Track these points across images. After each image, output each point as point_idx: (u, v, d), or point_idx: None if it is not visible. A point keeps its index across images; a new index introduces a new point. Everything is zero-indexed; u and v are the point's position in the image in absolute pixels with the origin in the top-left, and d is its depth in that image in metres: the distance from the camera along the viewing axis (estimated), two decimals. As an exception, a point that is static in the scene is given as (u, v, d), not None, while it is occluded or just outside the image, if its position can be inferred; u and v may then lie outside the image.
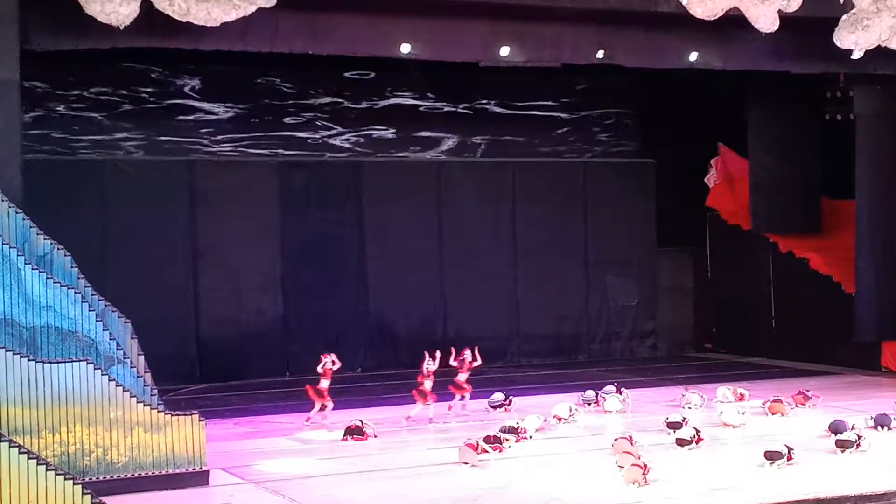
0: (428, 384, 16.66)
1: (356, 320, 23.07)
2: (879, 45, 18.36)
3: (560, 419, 16.43)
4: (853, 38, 18.21)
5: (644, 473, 12.36)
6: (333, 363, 16.85)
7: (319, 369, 16.77)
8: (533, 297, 24.31)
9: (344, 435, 15.43)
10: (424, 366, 16.82)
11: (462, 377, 17.52)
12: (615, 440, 14.17)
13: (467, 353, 17.59)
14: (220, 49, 16.43)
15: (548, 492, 12.31)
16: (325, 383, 16.72)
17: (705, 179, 25.60)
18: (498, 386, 20.44)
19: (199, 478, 12.83)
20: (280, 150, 22.97)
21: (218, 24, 15.15)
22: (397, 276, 23.18)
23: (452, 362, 17.52)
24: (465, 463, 13.59)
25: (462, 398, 17.65)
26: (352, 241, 23.11)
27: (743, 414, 15.96)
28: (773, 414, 16.47)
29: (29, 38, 15.05)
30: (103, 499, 10.86)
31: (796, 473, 13.00)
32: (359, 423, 15.57)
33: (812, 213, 23.78)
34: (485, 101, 24.48)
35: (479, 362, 17.68)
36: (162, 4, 14.84)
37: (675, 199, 25.08)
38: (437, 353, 17.19)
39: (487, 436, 14.42)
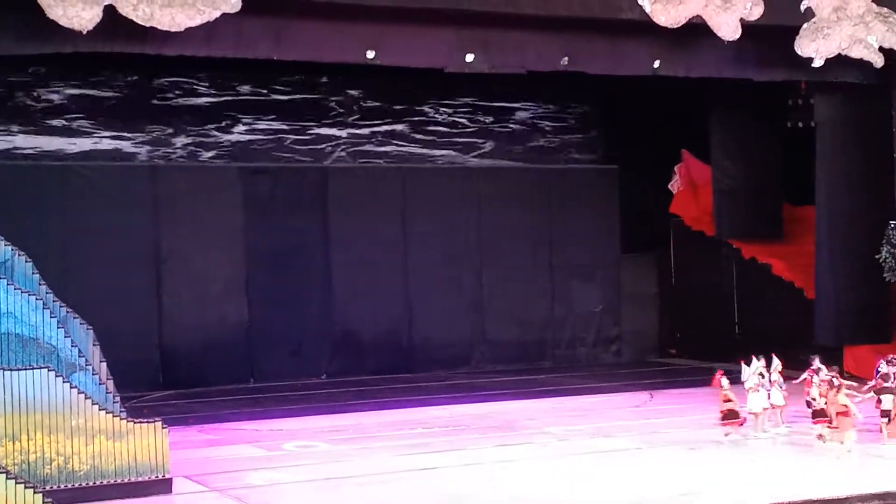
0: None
1: (321, 327, 22.99)
2: (839, 54, 18.60)
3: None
4: (814, 46, 18.44)
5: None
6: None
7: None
8: (497, 304, 24.35)
9: (722, 420, 15.32)
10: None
11: None
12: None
13: None
14: (185, 54, 16.33)
15: (510, 498, 12.33)
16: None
17: (669, 186, 25.78)
18: (462, 392, 20.50)
19: (162, 486, 12.72)
20: (244, 156, 22.86)
21: (182, 30, 15.08)
22: (362, 283, 23.12)
23: None
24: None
25: None
26: (317, 247, 23.03)
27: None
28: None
29: (-10, 42, 14.90)
30: (64, 508, 10.75)
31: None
32: (734, 408, 15.31)
33: (774, 219, 24.00)
34: (448, 109, 24.52)
35: None
36: (125, 9, 14.74)
37: (639, 206, 25.24)
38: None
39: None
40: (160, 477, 12.74)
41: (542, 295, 24.88)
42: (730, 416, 15.29)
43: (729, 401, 15.35)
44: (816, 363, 16.04)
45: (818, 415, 14.85)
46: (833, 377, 15.13)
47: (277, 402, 19.75)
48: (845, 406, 14.38)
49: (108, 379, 13.38)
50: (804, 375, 16.00)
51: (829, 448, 14.50)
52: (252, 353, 22.39)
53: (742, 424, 15.39)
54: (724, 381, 15.51)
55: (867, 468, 13.51)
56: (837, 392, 14.60)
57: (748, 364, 15.97)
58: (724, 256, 24.57)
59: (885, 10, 18.71)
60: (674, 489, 12.54)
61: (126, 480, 12.53)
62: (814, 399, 15.01)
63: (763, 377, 15.86)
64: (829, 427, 14.61)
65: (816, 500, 12.05)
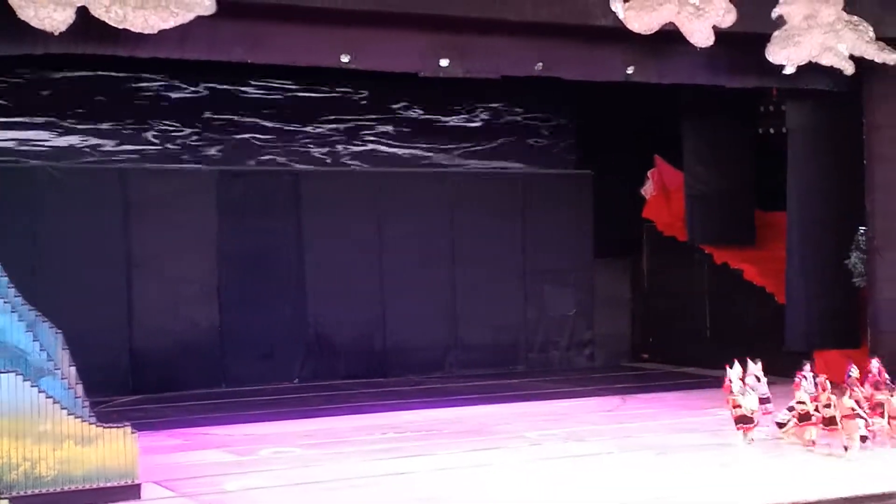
0: None
1: (294, 331, 22.91)
2: (810, 61, 18.76)
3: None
4: (785, 53, 18.59)
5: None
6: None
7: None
8: (471, 308, 24.35)
9: (736, 425, 15.33)
10: None
11: None
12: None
13: None
14: (158, 56, 16.24)
15: (482, 503, 12.31)
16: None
17: (641, 191, 25.90)
18: (436, 396, 20.47)
19: (131, 492, 12.61)
20: (217, 159, 22.74)
21: (155, 32, 14.98)
22: (335, 287, 23.06)
23: None
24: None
25: None
26: (290, 251, 22.96)
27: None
28: None
29: (-41, 43, 14.73)
30: (31, 514, 10.63)
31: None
32: (745, 413, 15.30)
33: (746, 224, 24.16)
34: (423, 113, 24.53)
35: None
36: (98, 11, 14.62)
37: (612, 211, 25.33)
38: None
39: None
40: (129, 482, 12.62)
41: (515, 299, 24.91)
42: (742, 420, 15.34)
43: (738, 406, 15.44)
44: (807, 369, 16.12)
45: (804, 418, 14.93)
46: (827, 379, 15.25)
47: (249, 406, 19.64)
48: (851, 409, 14.47)
49: (76, 383, 13.26)
50: (796, 380, 16.10)
51: (820, 450, 14.62)
52: (224, 357, 22.27)
53: (754, 427, 15.44)
54: (735, 386, 15.61)
55: (838, 471, 13.61)
56: (842, 395, 14.70)
57: (732, 367, 16.06)
58: (696, 262, 24.71)
59: (856, 18, 18.87)
60: (646, 493, 12.57)
61: (94, 486, 12.40)
62: (802, 402, 15.09)
63: (759, 379, 16.02)
64: (826, 430, 14.65)
65: (788, 503, 12.12)
